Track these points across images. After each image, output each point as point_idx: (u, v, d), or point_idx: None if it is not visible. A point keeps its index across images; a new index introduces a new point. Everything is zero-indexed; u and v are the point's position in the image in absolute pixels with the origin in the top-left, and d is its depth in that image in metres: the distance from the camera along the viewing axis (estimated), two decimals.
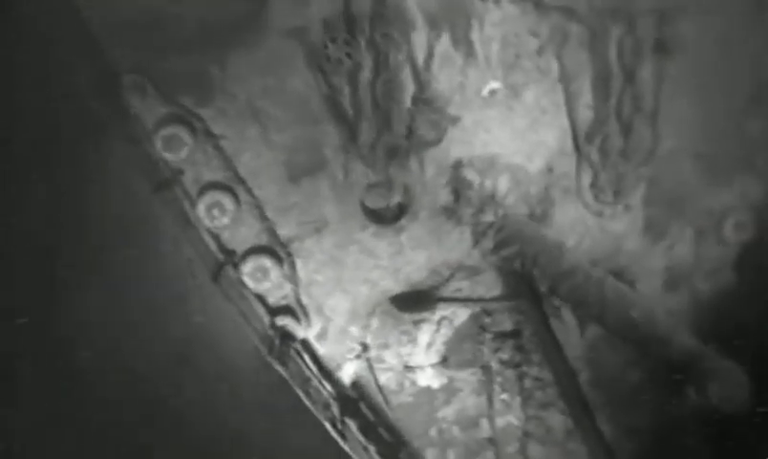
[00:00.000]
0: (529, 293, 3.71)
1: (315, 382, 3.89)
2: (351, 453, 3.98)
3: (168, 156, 3.39)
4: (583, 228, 3.80)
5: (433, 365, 4.10)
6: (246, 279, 3.62)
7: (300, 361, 3.85)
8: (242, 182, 3.49)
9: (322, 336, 3.89)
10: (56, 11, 3.25)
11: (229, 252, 3.58)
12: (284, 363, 3.68)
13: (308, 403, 3.80)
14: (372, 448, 4.04)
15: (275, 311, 3.74)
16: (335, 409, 3.94)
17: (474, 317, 4.01)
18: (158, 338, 4.02)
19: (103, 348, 3.95)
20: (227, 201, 3.47)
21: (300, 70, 3.34)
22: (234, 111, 3.42)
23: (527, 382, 4.17)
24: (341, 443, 3.91)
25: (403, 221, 3.66)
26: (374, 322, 3.92)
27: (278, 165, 3.50)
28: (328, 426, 3.87)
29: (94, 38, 3.30)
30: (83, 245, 3.67)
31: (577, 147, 3.56)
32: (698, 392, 2.26)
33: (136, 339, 3.99)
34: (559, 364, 3.74)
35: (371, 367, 4.03)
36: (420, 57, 3.31)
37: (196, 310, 3.87)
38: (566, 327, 4.07)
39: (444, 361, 4.10)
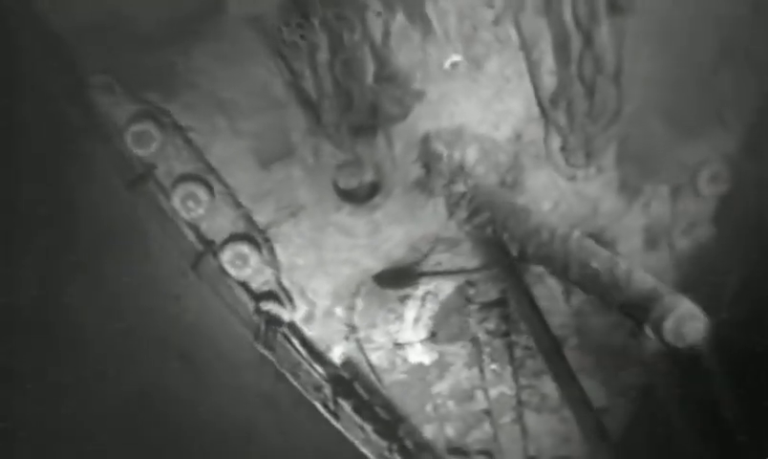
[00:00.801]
0: (507, 260, 3.72)
1: (305, 364, 3.95)
2: (345, 433, 4.03)
3: (139, 152, 3.46)
4: (557, 192, 3.83)
5: (422, 341, 4.15)
6: (227, 267, 3.68)
7: (289, 346, 3.90)
8: (214, 172, 3.55)
9: (308, 319, 3.94)
10: (20, 19, 3.30)
11: (208, 242, 3.64)
12: (271, 348, 3.73)
13: (297, 385, 3.83)
14: (368, 427, 4.12)
15: (259, 296, 3.80)
16: (327, 391, 4.00)
17: (458, 290, 4.05)
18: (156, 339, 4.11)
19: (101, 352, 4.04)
20: (201, 192, 3.53)
21: (261, 57, 3.38)
22: (200, 103, 3.47)
23: (518, 352, 4.21)
24: (334, 423, 3.94)
25: (377, 198, 3.69)
26: (360, 303, 3.96)
27: (248, 153, 3.56)
28: (320, 407, 3.90)
29: (60, 43, 3.35)
30: (71, 245, 3.73)
31: (543, 113, 3.58)
32: (655, 332, 2.28)
33: (133, 341, 4.08)
34: (542, 334, 3.75)
35: (361, 348, 4.09)
36: (378, 35, 3.33)
37: (191, 308, 3.94)
38: (552, 294, 4.10)
39: (433, 336, 4.15)
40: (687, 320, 2.25)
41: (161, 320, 3.91)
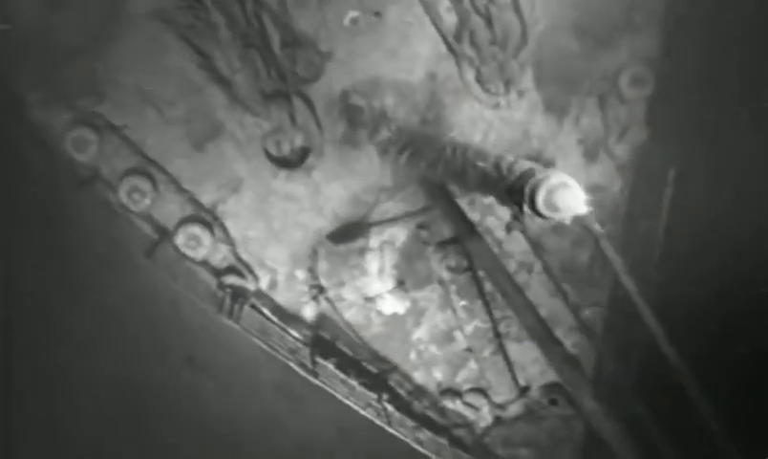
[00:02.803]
0: (446, 195, 3.85)
1: (277, 330, 4.11)
2: (330, 390, 4.19)
3: (80, 157, 3.67)
4: (484, 123, 3.96)
5: (391, 291, 4.28)
6: (184, 249, 3.87)
7: (259, 315, 4.08)
8: (153, 162, 3.75)
9: (272, 286, 4.13)
10: None
11: (162, 230, 3.84)
12: (236, 319, 3.92)
13: (270, 350, 4.02)
14: (353, 382, 4.26)
15: (220, 272, 3.99)
16: (304, 352, 4.16)
17: (413, 235, 4.17)
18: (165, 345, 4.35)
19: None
20: (144, 184, 3.74)
21: (171, 46, 3.59)
22: (128, 100, 3.69)
23: (486, 285, 4.31)
24: (313, 380, 4.11)
25: (310, 160, 3.86)
26: (323, 264, 4.12)
27: (181, 139, 3.76)
28: (297, 368, 4.08)
29: None
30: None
31: (450, 49, 3.70)
32: (531, 208, 2.39)
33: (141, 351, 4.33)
34: (494, 267, 3.87)
35: (334, 307, 4.24)
36: (274, 4, 3.50)
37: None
38: (502, 222, 4.21)
39: (402, 285, 4.28)
40: (558, 189, 2.36)
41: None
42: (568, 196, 2.38)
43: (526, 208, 2.47)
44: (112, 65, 3.61)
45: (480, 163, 2.75)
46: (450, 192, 3.79)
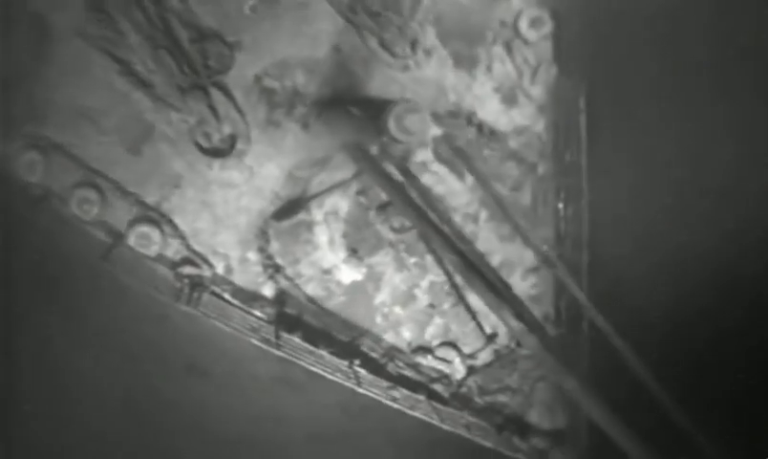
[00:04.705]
0: (369, 158, 4.10)
1: (238, 311, 4.38)
2: (294, 359, 4.43)
3: (31, 178, 4.00)
4: (398, 85, 4.21)
5: (346, 261, 4.51)
6: (138, 248, 4.16)
7: (219, 300, 4.35)
8: (96, 172, 4.05)
9: (229, 271, 4.39)
10: None
11: (115, 234, 4.14)
12: (194, 306, 4.20)
13: (232, 331, 4.28)
14: (323, 352, 4.49)
15: (175, 264, 4.27)
16: (267, 330, 4.41)
17: (354, 202, 4.42)
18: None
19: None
20: (91, 193, 4.04)
21: (94, 59, 3.90)
22: (66, 118, 4.00)
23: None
24: (278, 352, 4.36)
25: (240, 146, 4.15)
26: (275, 244, 4.39)
27: (118, 146, 4.07)
28: (260, 344, 4.33)
29: None
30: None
31: (348, 20, 3.99)
32: (387, 135, 2.63)
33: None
34: (424, 221, 4.09)
35: (295, 284, 4.49)
36: (175, 4, 3.82)
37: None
38: (442, 178, 4.45)
39: (355, 253, 4.51)
40: (406, 114, 2.63)
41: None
42: (416, 120, 2.63)
43: (386, 139, 2.73)
44: (47, 87, 3.92)
45: (355, 111, 2.99)
46: (372, 155, 4.00)
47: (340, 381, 4.41)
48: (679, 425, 3.82)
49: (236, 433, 4.70)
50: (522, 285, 4.65)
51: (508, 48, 4.25)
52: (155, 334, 4.47)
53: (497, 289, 4.20)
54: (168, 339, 4.49)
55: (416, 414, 4.58)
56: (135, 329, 4.46)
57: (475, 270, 4.04)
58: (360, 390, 4.45)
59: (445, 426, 4.63)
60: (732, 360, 4.34)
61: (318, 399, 4.67)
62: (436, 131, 4.14)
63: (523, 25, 4.18)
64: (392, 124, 2.54)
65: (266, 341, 4.35)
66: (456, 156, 4.19)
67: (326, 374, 4.42)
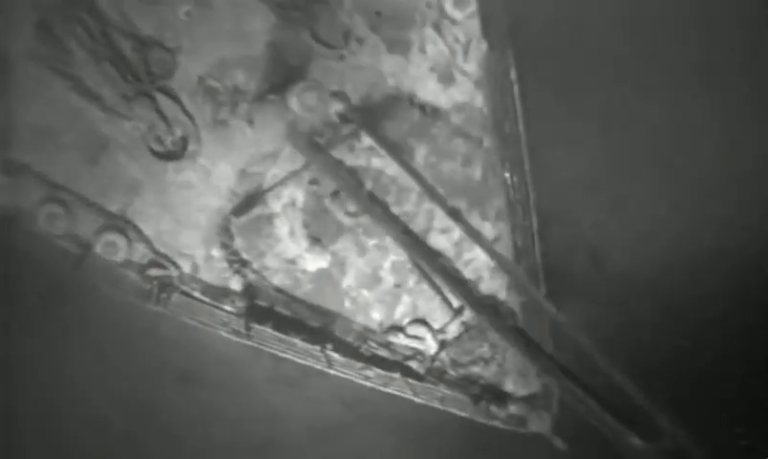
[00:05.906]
0: (316, 146, 4.35)
1: (207, 308, 4.59)
2: (265, 349, 4.63)
3: (1, 200, 4.25)
4: (336, 75, 4.44)
5: (309, 250, 4.69)
6: (106, 256, 4.39)
7: (188, 298, 4.57)
8: (60, 187, 4.28)
9: (195, 270, 4.60)
10: None
11: (84, 244, 4.38)
12: (164, 306, 4.43)
13: (201, 325, 4.50)
14: (295, 339, 4.68)
15: (143, 268, 4.48)
16: (237, 322, 4.62)
17: (308, 192, 4.60)
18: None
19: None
20: (57, 208, 4.27)
21: (47, 79, 4.14)
22: (27, 139, 4.22)
23: None
24: (248, 343, 4.56)
25: (191, 147, 4.38)
26: (239, 240, 4.60)
27: (78, 160, 4.28)
28: (231, 336, 4.55)
29: None
30: None
31: (279, 16, 4.25)
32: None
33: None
34: (373, 205, 4.33)
35: (263, 277, 4.68)
36: (113, 15, 4.09)
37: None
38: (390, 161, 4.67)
39: (318, 242, 4.68)
40: (305, 91, 2.84)
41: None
42: (313, 96, 2.82)
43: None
44: (8, 112, 4.13)
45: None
46: (317, 143, 4.29)
47: (311, 364, 4.56)
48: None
49: (236, 436, 4.88)
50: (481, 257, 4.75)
51: (437, 28, 4.47)
52: (145, 345, 4.67)
53: (447, 269, 4.49)
54: (159, 350, 4.68)
55: (391, 391, 4.73)
56: (124, 341, 4.66)
57: (425, 249, 4.30)
58: (332, 372, 4.57)
59: (419, 400, 4.75)
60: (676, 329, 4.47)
61: (315, 394, 4.84)
62: (338, 107, 4.33)
63: (448, 5, 4.42)
64: (294, 103, 2.78)
65: (237, 333, 4.56)
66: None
67: (297, 360, 4.60)
